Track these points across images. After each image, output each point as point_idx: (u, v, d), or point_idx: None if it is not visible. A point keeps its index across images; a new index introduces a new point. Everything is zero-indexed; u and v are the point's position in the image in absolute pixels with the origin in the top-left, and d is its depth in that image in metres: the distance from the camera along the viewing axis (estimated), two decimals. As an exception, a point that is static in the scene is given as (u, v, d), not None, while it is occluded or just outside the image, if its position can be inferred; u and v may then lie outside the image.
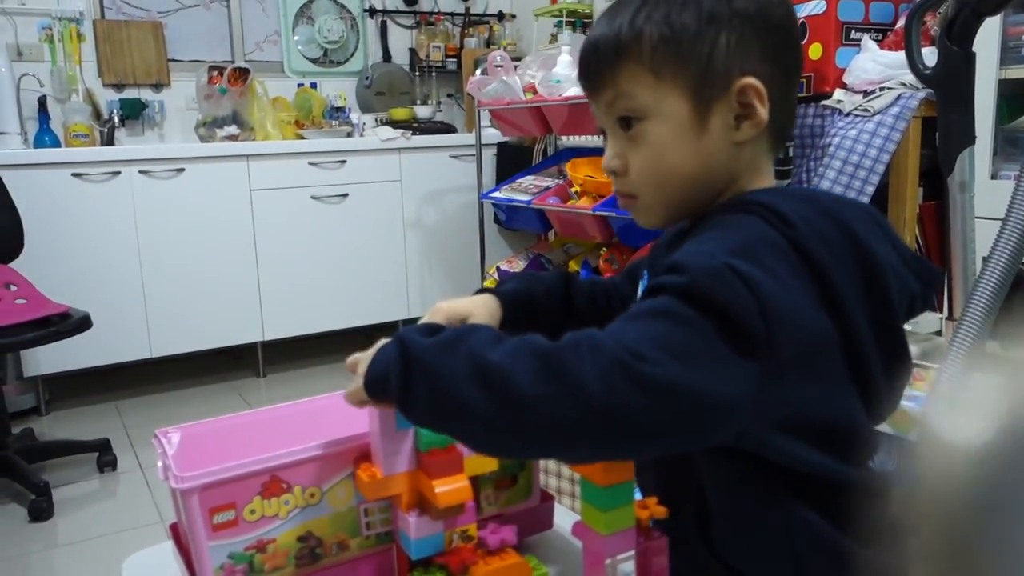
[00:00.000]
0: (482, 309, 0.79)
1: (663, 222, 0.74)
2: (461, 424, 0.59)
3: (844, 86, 2.04)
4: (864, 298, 0.63)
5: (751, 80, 0.66)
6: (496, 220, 3.57)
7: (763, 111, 0.67)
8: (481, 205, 3.23)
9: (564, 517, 0.92)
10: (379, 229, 3.48)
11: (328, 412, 0.84)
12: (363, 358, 0.67)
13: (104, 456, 2.47)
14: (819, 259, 0.61)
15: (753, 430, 0.61)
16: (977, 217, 1.50)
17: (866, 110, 1.92)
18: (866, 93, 1.97)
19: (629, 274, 0.90)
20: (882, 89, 1.93)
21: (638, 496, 0.72)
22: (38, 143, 3.16)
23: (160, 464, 0.74)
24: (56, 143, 3.19)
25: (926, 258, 2.12)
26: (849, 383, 0.65)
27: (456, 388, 0.56)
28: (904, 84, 1.90)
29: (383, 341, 0.68)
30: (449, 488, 0.70)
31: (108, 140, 3.29)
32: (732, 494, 0.66)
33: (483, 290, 0.84)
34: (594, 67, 0.71)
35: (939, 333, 1.82)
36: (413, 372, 0.59)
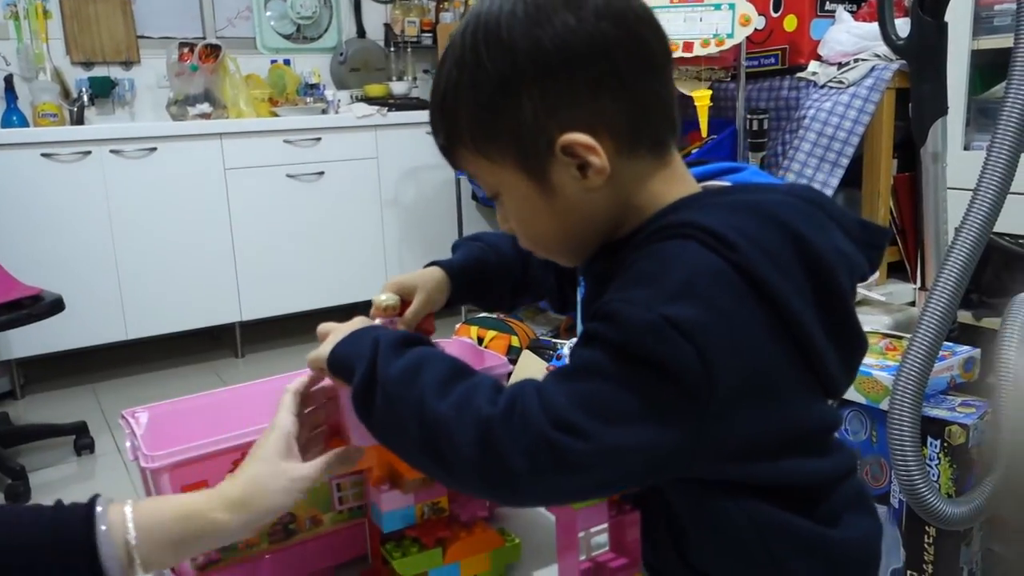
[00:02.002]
0: (431, 284, 0.82)
1: (577, 262, 0.71)
2: (401, 448, 0.63)
3: (819, 58, 2.04)
4: (815, 302, 0.61)
5: (568, 137, 0.60)
6: (474, 197, 3.56)
7: (598, 160, 0.60)
8: (458, 182, 3.22)
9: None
10: (356, 207, 3.46)
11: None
12: (335, 330, 0.69)
13: (81, 439, 2.45)
14: (766, 280, 0.57)
15: (701, 465, 0.60)
16: (950, 188, 1.51)
17: (840, 82, 1.92)
18: (840, 65, 1.97)
19: None
20: (856, 61, 1.93)
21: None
22: (6, 123, 3.10)
23: (129, 444, 0.73)
24: (24, 123, 3.13)
25: (899, 230, 2.14)
26: (807, 388, 0.63)
27: (404, 419, 0.59)
28: (878, 55, 1.91)
29: (361, 319, 0.70)
30: None
31: (78, 119, 3.23)
32: (697, 501, 0.64)
33: (434, 263, 0.86)
34: (442, 153, 0.69)
35: (912, 304, 1.84)
36: (375, 385, 0.62)
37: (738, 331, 0.56)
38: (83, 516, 0.61)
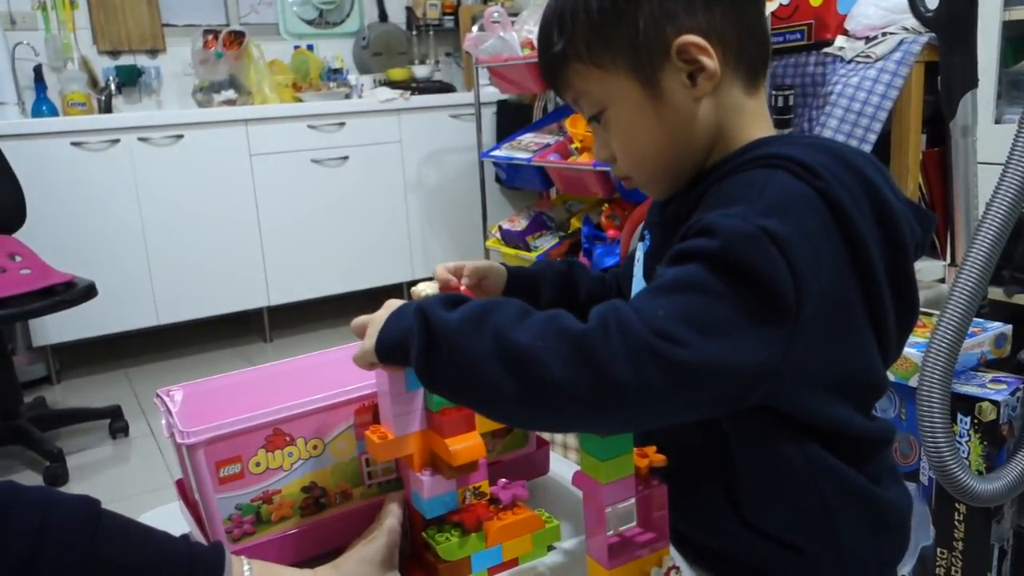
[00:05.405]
0: (496, 277, 0.86)
1: (669, 191, 0.74)
2: (485, 401, 0.59)
3: (846, 33, 2.01)
4: (882, 248, 0.64)
5: (686, 38, 0.65)
6: (497, 179, 3.55)
7: (711, 62, 0.66)
8: (482, 164, 3.21)
9: (557, 463, 0.93)
10: (380, 191, 3.47)
11: (326, 367, 0.86)
12: (372, 321, 0.66)
13: (116, 423, 2.50)
14: (847, 211, 0.60)
15: (779, 389, 0.61)
16: (980, 162, 1.49)
17: (868, 57, 1.89)
18: (868, 39, 1.94)
19: (632, 261, 0.90)
20: (884, 34, 1.90)
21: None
22: (36, 112, 3.14)
23: (164, 422, 0.75)
24: (54, 112, 3.18)
25: (928, 206, 2.11)
26: (868, 335, 0.66)
27: (482, 366, 0.56)
28: (906, 29, 1.88)
29: (393, 302, 0.67)
30: (463, 446, 0.70)
31: (106, 108, 3.27)
32: (757, 441, 0.66)
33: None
34: (548, 74, 0.73)
35: (942, 280, 1.82)
36: (437, 346, 0.58)
37: (821, 254, 0.59)
38: (215, 552, 0.66)
